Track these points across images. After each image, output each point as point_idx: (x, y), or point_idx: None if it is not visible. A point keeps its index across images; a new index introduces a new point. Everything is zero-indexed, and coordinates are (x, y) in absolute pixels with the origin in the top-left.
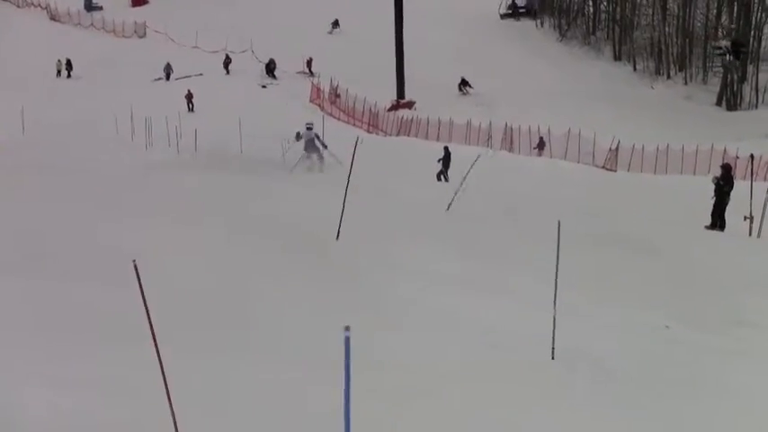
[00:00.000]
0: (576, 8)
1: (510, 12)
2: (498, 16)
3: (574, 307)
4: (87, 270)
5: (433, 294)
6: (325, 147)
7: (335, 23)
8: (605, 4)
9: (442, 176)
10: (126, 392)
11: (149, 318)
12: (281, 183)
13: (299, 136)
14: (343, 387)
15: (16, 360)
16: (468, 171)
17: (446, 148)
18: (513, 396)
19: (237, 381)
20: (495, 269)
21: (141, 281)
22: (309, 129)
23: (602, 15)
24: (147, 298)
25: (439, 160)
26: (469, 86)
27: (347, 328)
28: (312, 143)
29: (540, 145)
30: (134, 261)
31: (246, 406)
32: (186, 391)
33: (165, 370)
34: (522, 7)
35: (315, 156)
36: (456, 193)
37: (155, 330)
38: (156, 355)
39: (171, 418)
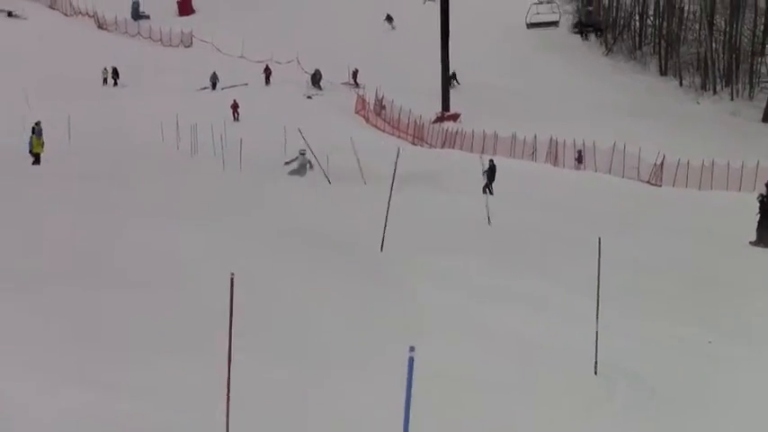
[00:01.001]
0: (622, 23)
1: (577, 29)
2: (525, 26)
3: (616, 322)
4: (138, 277)
5: (476, 307)
6: (312, 167)
7: (389, 18)
8: (652, 18)
9: (486, 189)
10: (179, 400)
11: (230, 332)
12: (324, 194)
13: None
14: (404, 403)
15: (69, 366)
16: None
17: (491, 161)
18: (556, 410)
19: (290, 392)
20: (538, 283)
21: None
22: (302, 154)
23: (649, 30)
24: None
25: (484, 173)
26: (456, 82)
27: (412, 349)
28: (304, 168)
29: (579, 158)
30: (232, 274)
31: (295, 416)
32: (240, 400)
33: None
34: (588, 24)
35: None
36: (486, 205)
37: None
38: (223, 365)
39: (224, 427)
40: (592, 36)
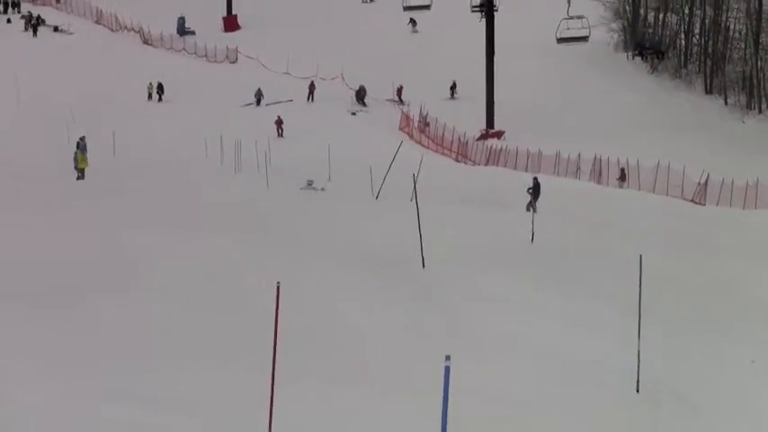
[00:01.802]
0: (667, 41)
1: (637, 51)
2: (556, 41)
3: (658, 340)
4: (184, 291)
5: (518, 324)
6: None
7: (413, 21)
8: (697, 37)
9: (530, 207)
10: (221, 414)
11: (275, 342)
12: (369, 210)
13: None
14: (441, 414)
15: (110, 380)
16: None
17: (535, 179)
18: (598, 428)
19: (333, 406)
20: (580, 300)
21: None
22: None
23: (694, 49)
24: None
25: (529, 190)
26: (455, 93)
27: (448, 358)
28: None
29: (622, 176)
30: (278, 283)
31: (337, 430)
32: (282, 414)
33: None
34: (649, 47)
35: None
36: (531, 222)
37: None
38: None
39: None
40: (630, 54)
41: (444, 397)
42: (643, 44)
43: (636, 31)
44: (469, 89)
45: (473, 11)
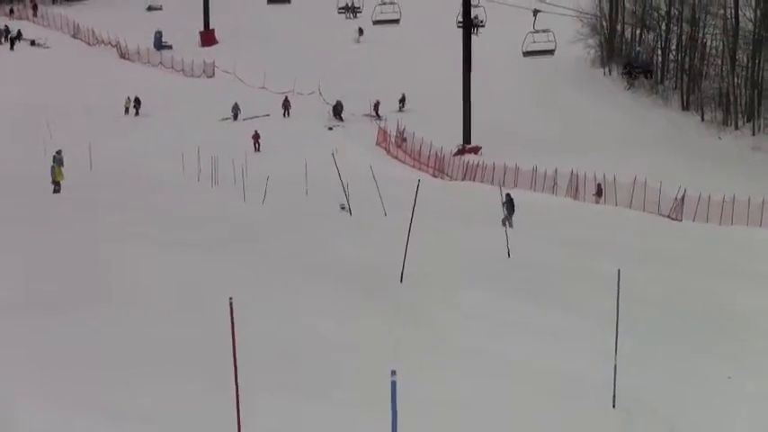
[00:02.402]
0: (644, 57)
1: (626, 70)
2: (522, 54)
3: (635, 355)
4: (157, 304)
5: (494, 339)
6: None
7: (360, 31)
8: (674, 53)
9: (506, 222)
10: (186, 426)
11: (235, 357)
12: (345, 225)
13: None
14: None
15: (91, 391)
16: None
17: (508, 195)
18: None
19: (294, 417)
20: (556, 316)
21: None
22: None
23: (671, 65)
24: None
25: (503, 205)
26: (403, 105)
27: (393, 373)
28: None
29: (599, 192)
30: (230, 299)
31: None
32: (246, 424)
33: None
34: (637, 66)
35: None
36: (506, 238)
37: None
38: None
39: None
40: (608, 70)
41: (393, 411)
42: (632, 63)
43: (613, 47)
44: (448, 105)
45: (458, 26)
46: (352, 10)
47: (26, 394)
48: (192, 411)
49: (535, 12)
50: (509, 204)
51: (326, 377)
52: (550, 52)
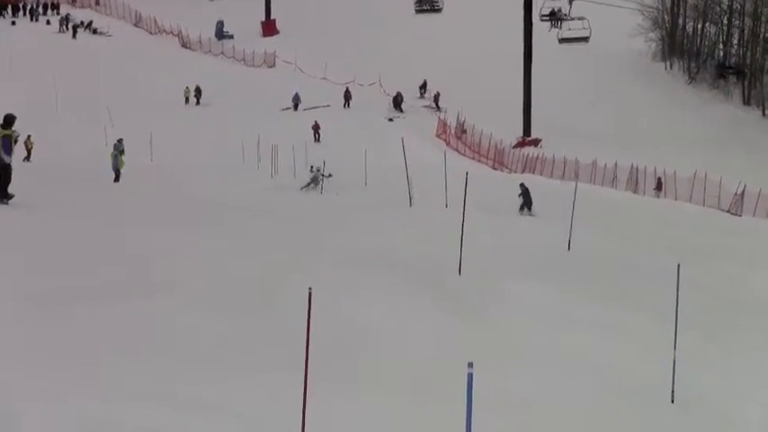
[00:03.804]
0: (706, 51)
1: (719, 71)
2: (558, 41)
3: (695, 351)
4: (215, 295)
5: (552, 333)
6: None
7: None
8: (736, 47)
9: (524, 210)
10: (247, 418)
11: (307, 348)
12: (405, 216)
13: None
14: (465, 423)
15: (142, 382)
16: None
17: (522, 185)
18: None
19: (362, 414)
20: (615, 310)
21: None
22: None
23: (733, 59)
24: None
25: (519, 195)
26: (424, 91)
27: (470, 365)
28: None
29: (659, 186)
30: (309, 288)
31: None
32: (312, 423)
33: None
34: (729, 67)
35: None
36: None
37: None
38: (298, 385)
39: None
40: (668, 64)
41: (468, 404)
42: (723, 64)
43: (674, 41)
44: (509, 98)
45: (542, 20)
46: (430, 4)
47: (79, 384)
48: (254, 403)
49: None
50: (525, 195)
51: (389, 371)
52: (585, 39)
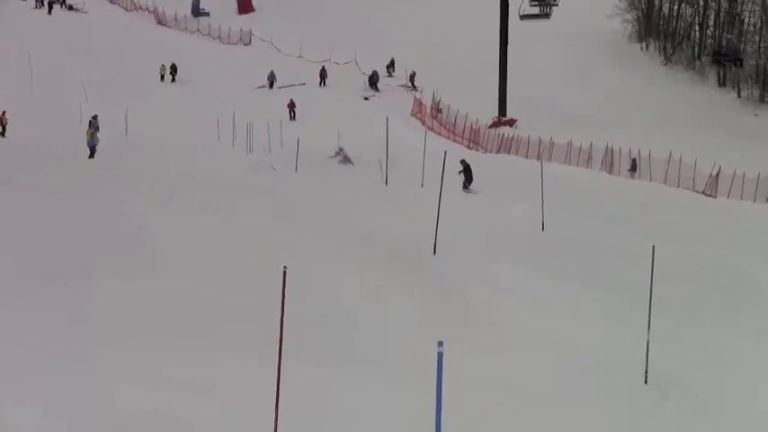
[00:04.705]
0: (681, 33)
1: (716, 58)
2: (519, 17)
3: (668, 332)
4: (192, 273)
5: (527, 313)
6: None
7: None
8: (712, 29)
9: (466, 187)
10: (224, 396)
11: (282, 326)
12: (380, 195)
13: None
14: (435, 401)
15: (119, 359)
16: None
17: (463, 161)
18: (604, 419)
19: (335, 391)
20: (590, 291)
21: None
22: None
23: (709, 41)
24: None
25: (459, 172)
26: (393, 70)
27: (440, 344)
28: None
29: (633, 167)
30: (284, 267)
31: (341, 415)
32: (286, 398)
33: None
34: (726, 55)
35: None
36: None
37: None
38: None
39: (273, 423)
40: (644, 45)
41: (438, 383)
42: (720, 51)
43: (651, 22)
44: (485, 78)
45: (531, 5)
46: None
47: (65, 362)
48: (232, 383)
49: None
50: (466, 171)
51: (363, 350)
52: (546, 16)
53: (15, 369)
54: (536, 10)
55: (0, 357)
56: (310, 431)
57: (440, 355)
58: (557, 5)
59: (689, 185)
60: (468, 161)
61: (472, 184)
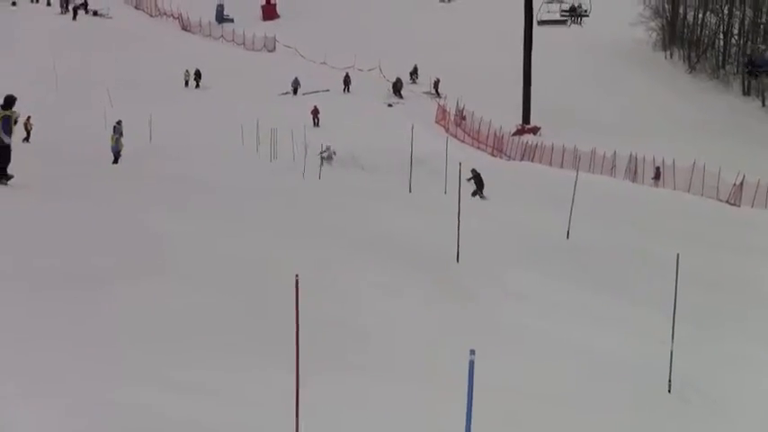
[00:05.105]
0: (706, 41)
1: (748, 69)
2: (537, 23)
3: (691, 340)
4: (211, 277)
5: (550, 322)
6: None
7: None
8: (736, 37)
9: (478, 195)
10: (242, 401)
11: (297, 333)
12: (404, 202)
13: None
14: (465, 409)
15: (136, 362)
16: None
17: (473, 170)
18: (628, 427)
19: (356, 397)
20: (613, 299)
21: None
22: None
23: (733, 49)
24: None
25: (468, 180)
26: (416, 76)
27: (473, 352)
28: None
29: (657, 175)
30: (297, 276)
31: (363, 422)
32: (306, 405)
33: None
34: (761, 66)
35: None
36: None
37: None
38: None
39: (293, 428)
40: (669, 53)
41: (469, 391)
42: (755, 62)
43: (675, 30)
44: (509, 86)
45: (562, 16)
46: None
47: (81, 366)
48: (251, 387)
49: None
50: (477, 179)
51: (383, 356)
52: (564, 22)
53: (36, 371)
54: (553, 16)
55: (22, 360)
56: None
57: (471, 364)
58: (587, 16)
59: (713, 194)
60: (478, 170)
61: (484, 191)
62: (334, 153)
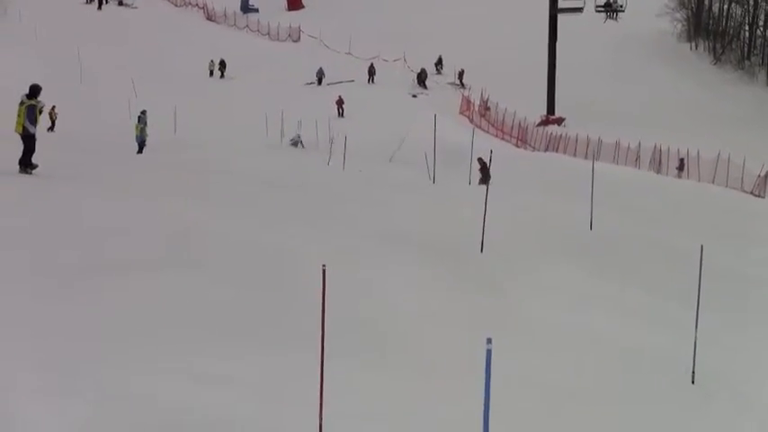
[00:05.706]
0: (731, 32)
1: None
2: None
3: (715, 332)
4: (234, 268)
5: (573, 313)
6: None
7: None
8: (761, 29)
9: (483, 182)
10: (267, 394)
11: (323, 325)
12: (428, 193)
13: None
14: (483, 399)
15: (160, 354)
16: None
17: (480, 159)
18: (651, 419)
19: (379, 389)
20: (637, 290)
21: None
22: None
23: (758, 41)
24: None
25: (479, 170)
26: (441, 67)
27: (489, 341)
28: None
29: (681, 167)
30: (324, 266)
31: (385, 412)
32: (329, 396)
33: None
34: None
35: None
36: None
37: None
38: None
39: (317, 421)
40: (694, 44)
41: (486, 380)
42: None
43: (700, 22)
44: (534, 76)
45: (597, 11)
46: None
47: (104, 356)
48: (275, 379)
49: None
50: (483, 169)
51: (407, 347)
52: (579, 10)
53: (60, 364)
54: (567, 4)
55: (45, 351)
56: (355, 428)
57: (488, 353)
58: (623, 11)
59: (737, 185)
60: (484, 159)
61: (490, 181)
62: (301, 141)
